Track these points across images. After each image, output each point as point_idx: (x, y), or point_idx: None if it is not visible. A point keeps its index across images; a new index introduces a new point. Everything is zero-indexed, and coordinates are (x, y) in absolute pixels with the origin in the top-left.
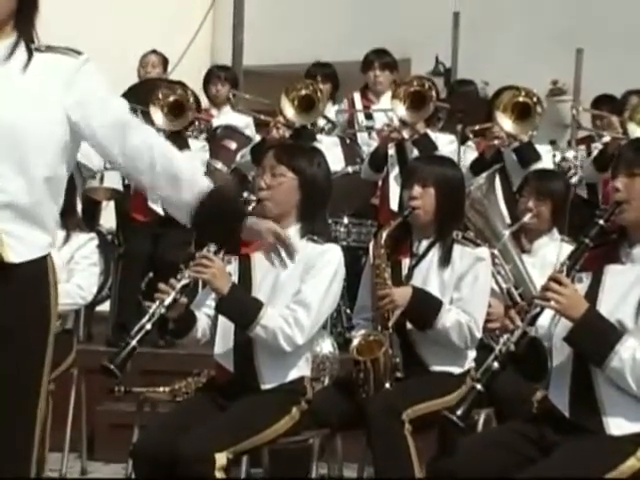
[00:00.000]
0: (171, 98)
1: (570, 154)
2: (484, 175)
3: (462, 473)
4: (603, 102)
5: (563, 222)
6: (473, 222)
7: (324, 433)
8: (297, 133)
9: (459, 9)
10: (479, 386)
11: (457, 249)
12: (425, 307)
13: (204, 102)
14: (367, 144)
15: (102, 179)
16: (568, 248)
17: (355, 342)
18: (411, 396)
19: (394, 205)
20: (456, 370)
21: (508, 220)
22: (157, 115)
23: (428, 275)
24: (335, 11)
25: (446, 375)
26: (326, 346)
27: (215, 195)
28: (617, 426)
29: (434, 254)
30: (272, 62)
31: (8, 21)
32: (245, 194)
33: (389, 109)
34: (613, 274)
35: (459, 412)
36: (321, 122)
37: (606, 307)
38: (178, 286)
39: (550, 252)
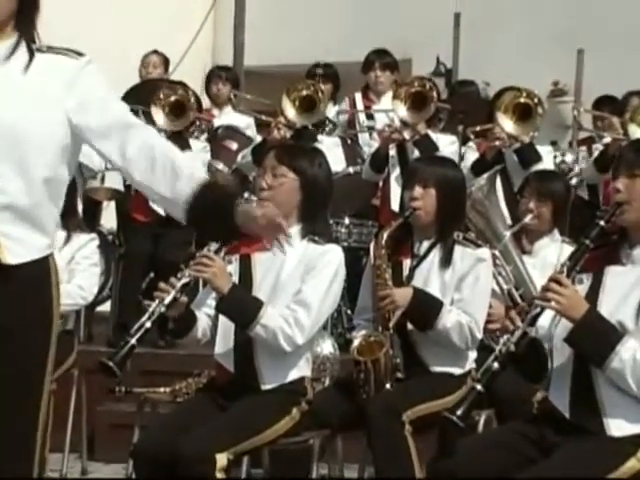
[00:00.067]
0: (172, 98)
1: (569, 157)
2: (485, 176)
3: (462, 474)
4: (604, 103)
5: (564, 223)
6: (474, 223)
7: (324, 434)
8: (298, 134)
9: (460, 10)
10: (479, 386)
11: (458, 250)
12: (426, 308)
13: (205, 102)
14: (368, 144)
15: (103, 179)
16: (569, 249)
17: (356, 343)
18: (412, 397)
19: (395, 206)
20: (457, 371)
21: (509, 221)
22: (158, 115)
23: (429, 276)
24: (336, 11)
25: (447, 376)
26: (327, 347)
27: (208, 185)
28: (617, 427)
29: (435, 255)
30: (273, 62)
31: (9, 21)
32: (246, 195)
33: (390, 110)
34: (614, 275)
35: (459, 412)
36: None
37: (606, 308)
38: (178, 285)
39: (551, 253)
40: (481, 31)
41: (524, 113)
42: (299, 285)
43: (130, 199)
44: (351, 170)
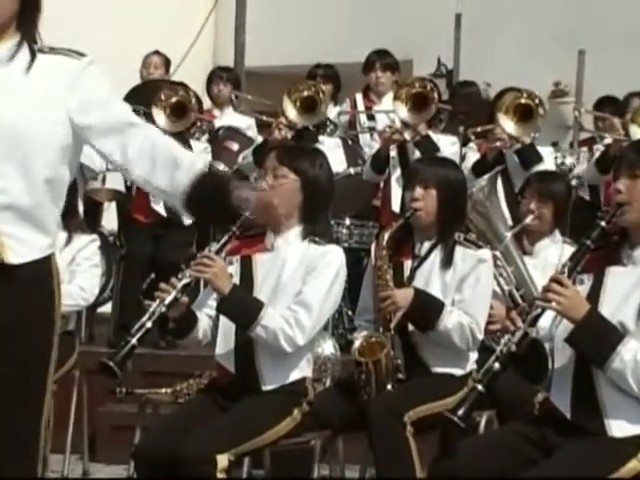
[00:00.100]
0: (173, 99)
1: (568, 160)
2: (486, 177)
3: (463, 474)
4: (605, 104)
5: (565, 224)
6: (475, 224)
7: (326, 434)
8: (299, 134)
9: (461, 10)
10: (480, 387)
11: (459, 251)
12: (427, 309)
13: (206, 103)
14: (369, 145)
15: (104, 180)
16: (570, 250)
17: (357, 343)
18: (413, 398)
19: (396, 207)
20: (458, 372)
21: (510, 222)
22: (159, 116)
23: (430, 277)
24: (337, 12)
25: (448, 377)
26: (328, 347)
27: (205, 174)
28: (619, 428)
29: (436, 256)
30: (274, 63)
31: (11, 22)
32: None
33: (391, 110)
34: (614, 276)
35: (460, 412)
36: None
37: (607, 309)
38: (179, 285)
39: (552, 254)
40: (482, 32)
41: (525, 114)
42: (300, 286)
43: (131, 200)
44: (352, 171)
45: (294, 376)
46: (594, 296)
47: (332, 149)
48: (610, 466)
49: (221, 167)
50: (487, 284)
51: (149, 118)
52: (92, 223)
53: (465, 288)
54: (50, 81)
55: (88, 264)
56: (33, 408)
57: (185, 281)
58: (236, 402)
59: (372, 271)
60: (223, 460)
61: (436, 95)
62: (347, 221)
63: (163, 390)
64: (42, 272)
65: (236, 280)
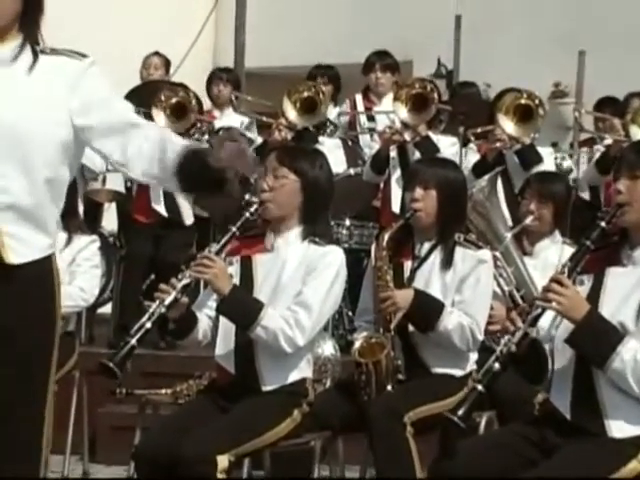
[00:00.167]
0: (173, 100)
1: (566, 163)
2: (486, 177)
3: (463, 475)
4: (605, 104)
5: (565, 224)
6: (475, 224)
7: (326, 435)
8: (299, 135)
9: (461, 11)
10: (480, 387)
11: (459, 251)
12: (427, 309)
13: (206, 104)
14: (369, 146)
15: (104, 181)
16: (570, 250)
17: (357, 344)
18: (413, 398)
19: (396, 207)
20: (458, 372)
21: (510, 222)
22: (159, 117)
23: (430, 277)
24: (337, 13)
25: (448, 377)
26: (328, 348)
27: (190, 149)
28: (619, 429)
29: (436, 256)
30: (274, 64)
31: (14, 23)
32: (247, 196)
33: (391, 111)
34: (614, 276)
35: (460, 413)
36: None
37: (607, 309)
38: (179, 285)
39: (552, 254)
40: (482, 33)
41: (525, 114)
42: (300, 286)
43: (131, 201)
44: (352, 172)
45: (294, 377)
46: (594, 296)
47: (332, 150)
48: (610, 467)
49: None
50: (487, 285)
51: (149, 119)
52: (92, 224)
53: (465, 289)
54: (52, 82)
55: (88, 265)
56: (35, 408)
57: (185, 282)
58: (236, 403)
59: (372, 272)
60: (223, 461)
61: (436, 96)
62: (347, 222)
63: (163, 391)
64: (43, 272)
65: (236, 281)
